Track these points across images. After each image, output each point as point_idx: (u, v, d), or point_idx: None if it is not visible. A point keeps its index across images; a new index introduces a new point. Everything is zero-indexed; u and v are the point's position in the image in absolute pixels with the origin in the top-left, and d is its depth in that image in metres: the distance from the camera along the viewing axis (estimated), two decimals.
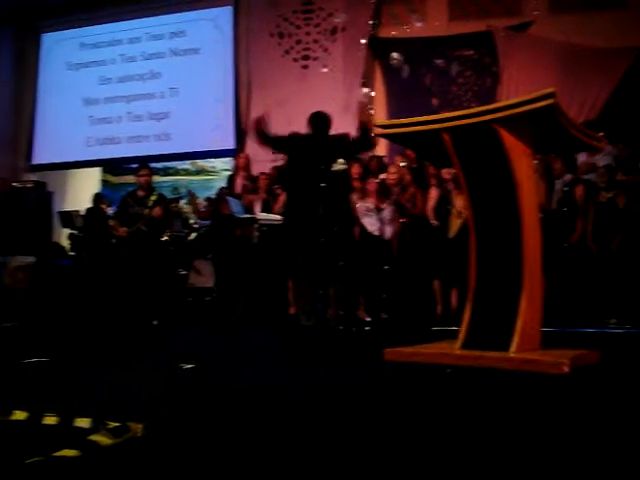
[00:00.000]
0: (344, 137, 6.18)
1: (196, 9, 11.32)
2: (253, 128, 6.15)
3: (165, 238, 8.04)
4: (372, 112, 6.36)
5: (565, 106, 3.67)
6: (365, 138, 6.03)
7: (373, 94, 10.09)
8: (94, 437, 2.07)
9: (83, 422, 2.28)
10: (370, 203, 7.64)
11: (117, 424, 2.18)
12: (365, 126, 5.75)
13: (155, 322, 7.33)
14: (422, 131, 3.99)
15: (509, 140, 3.72)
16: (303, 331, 5.84)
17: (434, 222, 7.29)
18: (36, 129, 12.25)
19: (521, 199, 3.77)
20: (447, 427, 2.36)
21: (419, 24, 9.54)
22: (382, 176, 7.94)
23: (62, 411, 2.42)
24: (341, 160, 5.66)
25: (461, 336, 3.92)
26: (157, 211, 7.64)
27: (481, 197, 3.98)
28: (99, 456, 1.98)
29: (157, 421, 2.37)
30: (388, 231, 7.66)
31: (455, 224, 7.18)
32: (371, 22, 10.05)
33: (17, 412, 2.43)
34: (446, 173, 7.25)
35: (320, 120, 6.02)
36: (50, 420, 2.34)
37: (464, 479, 1.83)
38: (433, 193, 7.41)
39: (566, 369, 3.38)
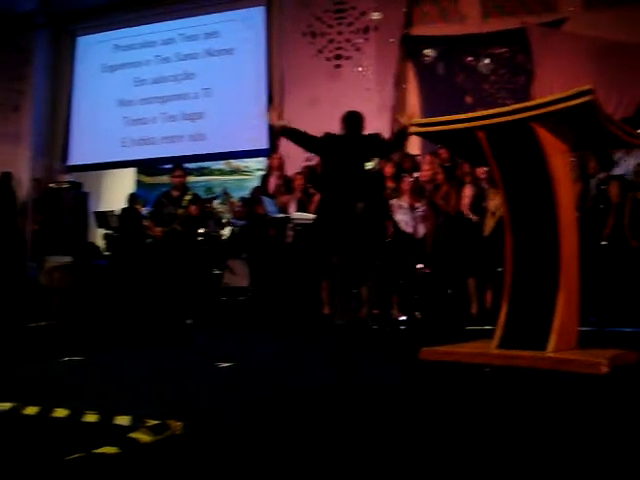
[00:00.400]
0: (377, 136, 6.18)
1: (229, 10, 11.36)
2: (277, 131, 6.18)
3: (200, 237, 8.08)
4: (411, 112, 6.36)
5: (601, 103, 3.62)
6: (400, 139, 6.03)
7: (405, 86, 10.04)
8: (134, 435, 2.09)
9: (123, 420, 2.30)
10: (404, 202, 7.61)
11: (156, 422, 2.20)
12: (404, 130, 5.74)
13: (189, 321, 7.37)
14: (457, 129, 3.97)
15: (545, 137, 3.69)
16: (337, 330, 5.84)
17: (474, 217, 7.23)
18: (72, 131, 12.38)
19: (558, 197, 3.73)
20: (485, 426, 2.35)
21: (457, 21, 9.45)
22: (415, 175, 7.92)
23: (102, 409, 2.45)
24: (376, 160, 5.66)
25: (497, 335, 3.89)
26: (194, 209, 7.70)
27: (517, 195, 3.95)
28: (139, 453, 2.00)
29: (196, 419, 2.38)
30: (421, 229, 7.63)
31: (490, 222, 7.13)
32: (403, 20, 10.01)
33: (58, 410, 2.46)
34: (480, 172, 7.21)
35: (354, 119, 6.02)
36: (90, 418, 2.37)
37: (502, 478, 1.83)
38: (468, 191, 7.36)
39: (604, 369, 3.34)
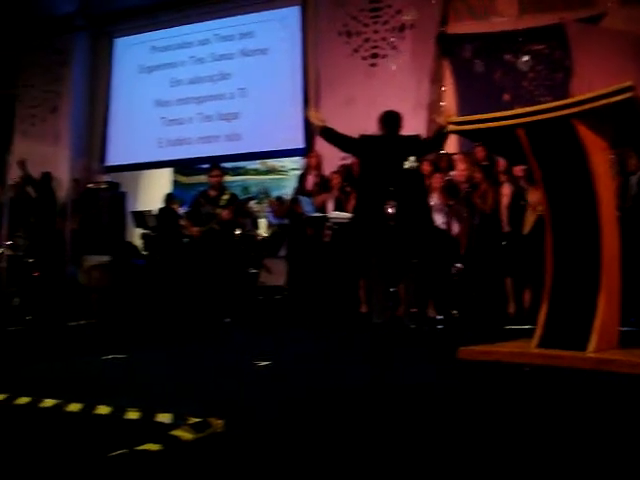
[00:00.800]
0: (417, 137, 6.17)
1: (264, 10, 11.39)
2: (317, 130, 6.20)
3: (237, 234, 8.12)
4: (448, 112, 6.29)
5: None
6: (439, 140, 6.02)
7: (444, 89, 9.98)
8: (176, 432, 2.11)
9: (164, 417, 2.32)
10: (435, 199, 7.59)
11: (198, 420, 2.22)
12: (442, 130, 5.73)
13: (227, 320, 7.41)
14: (496, 127, 3.95)
15: (586, 135, 3.64)
16: (375, 329, 5.83)
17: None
18: (109, 131, 12.51)
19: (599, 195, 3.69)
20: (526, 427, 2.33)
21: (493, 17, 9.35)
22: (452, 173, 7.88)
23: (143, 406, 2.47)
24: (412, 158, 5.65)
25: (537, 334, 3.86)
26: (226, 214, 7.70)
27: (558, 193, 3.91)
28: (181, 451, 2.01)
29: (236, 417, 2.39)
30: (456, 228, 7.60)
31: (529, 221, 7.07)
32: (439, 18, 9.96)
33: (100, 407, 2.49)
34: (518, 170, 7.15)
35: (391, 119, 6.01)
36: (132, 415, 2.40)
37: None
38: (506, 190, 7.31)
39: None
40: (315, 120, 6.17)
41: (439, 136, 5.95)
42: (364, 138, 6.10)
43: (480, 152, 7.77)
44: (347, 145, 6.19)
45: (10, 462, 1.93)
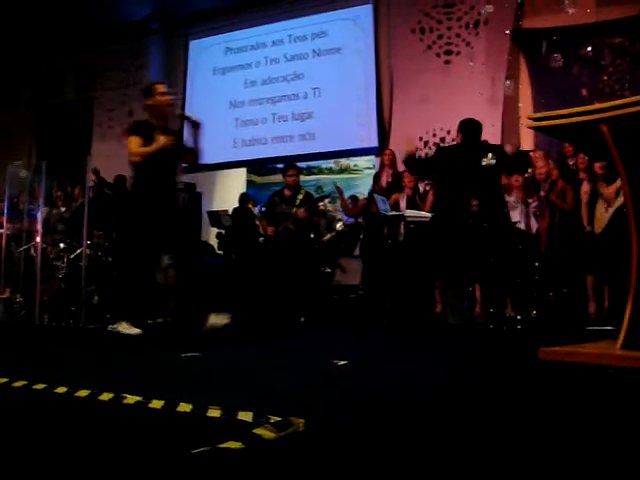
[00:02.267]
0: (500, 148, 6.08)
1: (337, 9, 11.41)
2: (404, 162, 6.19)
3: (312, 236, 8.14)
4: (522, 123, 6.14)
5: None
6: (522, 166, 5.93)
7: (520, 85, 9.82)
8: (258, 431, 2.11)
9: (245, 415, 2.32)
10: (515, 197, 7.48)
11: (279, 419, 2.21)
12: (525, 153, 5.68)
13: (302, 319, 7.43)
14: (578, 123, 3.84)
15: None
16: (451, 330, 5.77)
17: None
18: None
19: None
20: (611, 430, 2.26)
21: (571, 10, 9.13)
22: (530, 170, 7.74)
23: (224, 404, 2.48)
24: (490, 155, 5.56)
25: (622, 335, 3.74)
26: (301, 213, 7.73)
27: None
28: (263, 450, 2.01)
29: (316, 417, 2.38)
30: (534, 226, 7.47)
31: (602, 219, 6.91)
32: (514, 13, 9.79)
33: (182, 404, 2.51)
34: (598, 167, 6.98)
35: (471, 127, 5.93)
36: (214, 412, 2.40)
37: None
38: (586, 188, 7.15)
39: None
40: (409, 146, 6.16)
41: (522, 160, 5.86)
42: (442, 150, 6.05)
43: (568, 147, 7.63)
44: (429, 166, 6.16)
45: (94, 459, 1.96)
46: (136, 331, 5.31)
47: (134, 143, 5.40)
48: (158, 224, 5.31)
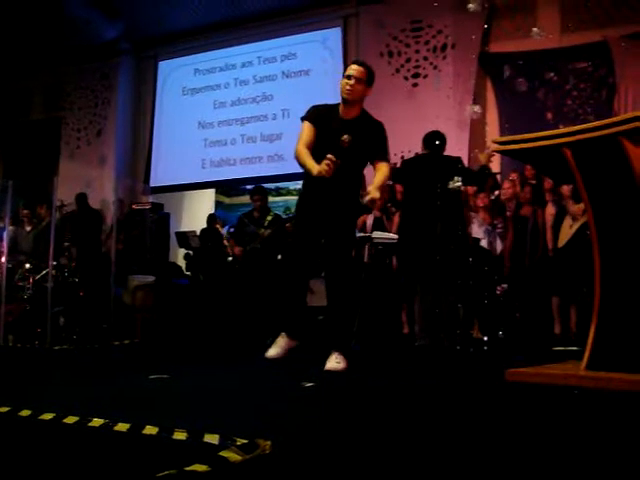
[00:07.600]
0: (458, 159, 6.17)
1: (306, 32, 11.49)
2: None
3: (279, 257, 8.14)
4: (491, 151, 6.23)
5: None
6: (480, 179, 6.02)
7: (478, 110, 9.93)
8: (224, 453, 2.10)
9: (212, 438, 2.31)
10: (480, 218, 7.55)
11: (246, 441, 2.21)
12: (484, 169, 5.76)
13: (269, 340, 7.40)
14: (542, 146, 3.91)
15: (635, 153, 3.59)
16: (419, 351, 5.79)
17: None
18: (154, 153, 12.67)
19: None
20: (578, 451, 2.28)
21: (537, 37, 9.28)
22: (497, 192, 7.84)
23: (190, 426, 2.47)
24: (457, 178, 5.64)
25: (586, 356, 3.80)
26: (268, 233, 7.75)
27: (605, 212, 3.85)
28: (229, 472, 2.00)
29: (283, 438, 2.38)
30: (499, 247, 7.55)
31: (566, 233, 7.01)
32: (481, 37, 9.92)
33: (148, 427, 2.49)
34: (566, 190, 7.08)
35: (435, 139, 6.02)
36: (180, 435, 2.39)
37: None
38: (551, 210, 7.25)
39: None
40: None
41: (481, 176, 5.95)
42: (407, 162, 6.13)
43: (529, 171, 7.73)
44: (396, 176, 6.23)
45: None
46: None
47: None
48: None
